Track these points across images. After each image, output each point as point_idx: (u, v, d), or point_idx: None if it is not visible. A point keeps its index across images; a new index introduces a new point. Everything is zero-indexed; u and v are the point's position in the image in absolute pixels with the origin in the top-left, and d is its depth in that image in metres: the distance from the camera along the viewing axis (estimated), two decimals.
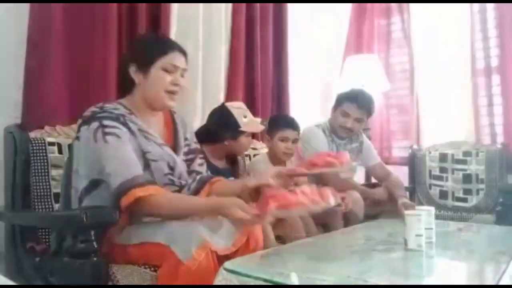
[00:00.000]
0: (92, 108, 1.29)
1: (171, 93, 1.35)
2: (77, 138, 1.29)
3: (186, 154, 1.48)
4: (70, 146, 1.51)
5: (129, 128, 1.28)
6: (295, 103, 2.91)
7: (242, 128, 1.84)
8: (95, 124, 1.24)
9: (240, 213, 1.15)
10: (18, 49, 1.67)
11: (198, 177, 1.46)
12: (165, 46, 1.38)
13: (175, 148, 1.43)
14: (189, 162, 1.49)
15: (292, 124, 2.06)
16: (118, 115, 1.28)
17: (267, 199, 1.16)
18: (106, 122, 1.24)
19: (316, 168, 1.45)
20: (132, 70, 1.34)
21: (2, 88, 1.65)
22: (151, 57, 1.34)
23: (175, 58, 1.36)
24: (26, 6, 1.68)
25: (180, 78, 1.37)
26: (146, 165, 1.30)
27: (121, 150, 1.23)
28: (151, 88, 1.34)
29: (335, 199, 1.19)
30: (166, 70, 1.34)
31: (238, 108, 1.88)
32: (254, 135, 2.41)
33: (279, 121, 2.10)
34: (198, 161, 1.51)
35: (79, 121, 1.30)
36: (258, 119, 1.95)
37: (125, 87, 1.39)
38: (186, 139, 1.49)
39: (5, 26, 1.66)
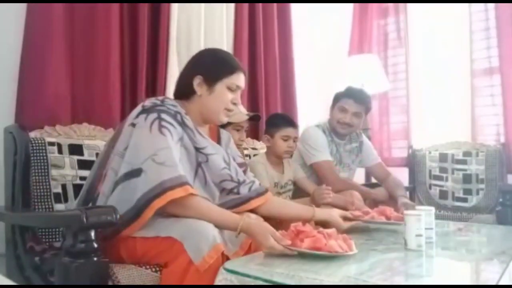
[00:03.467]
0: (153, 100, 1.34)
1: (228, 110, 1.43)
2: (133, 124, 1.30)
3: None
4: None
5: (185, 126, 1.34)
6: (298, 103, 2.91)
7: None
8: (153, 115, 1.28)
9: (273, 242, 1.15)
10: (18, 49, 1.66)
11: (254, 186, 1.50)
12: (233, 65, 1.44)
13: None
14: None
15: (292, 123, 2.10)
16: (176, 113, 1.34)
17: (297, 234, 1.17)
18: (164, 116, 1.30)
19: (375, 218, 1.58)
20: (196, 82, 1.39)
21: (2, 88, 1.65)
22: (219, 74, 1.40)
23: (239, 79, 1.44)
24: (24, 6, 1.67)
25: (238, 97, 1.45)
26: (203, 160, 1.37)
27: (173, 146, 1.28)
28: (212, 103, 1.40)
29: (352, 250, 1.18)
30: (230, 89, 1.41)
31: None
32: (255, 136, 2.40)
33: (280, 120, 2.11)
34: (249, 173, 1.57)
35: (139, 108, 1.32)
36: (245, 111, 1.92)
37: (183, 93, 1.43)
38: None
39: (5, 26, 1.66)
